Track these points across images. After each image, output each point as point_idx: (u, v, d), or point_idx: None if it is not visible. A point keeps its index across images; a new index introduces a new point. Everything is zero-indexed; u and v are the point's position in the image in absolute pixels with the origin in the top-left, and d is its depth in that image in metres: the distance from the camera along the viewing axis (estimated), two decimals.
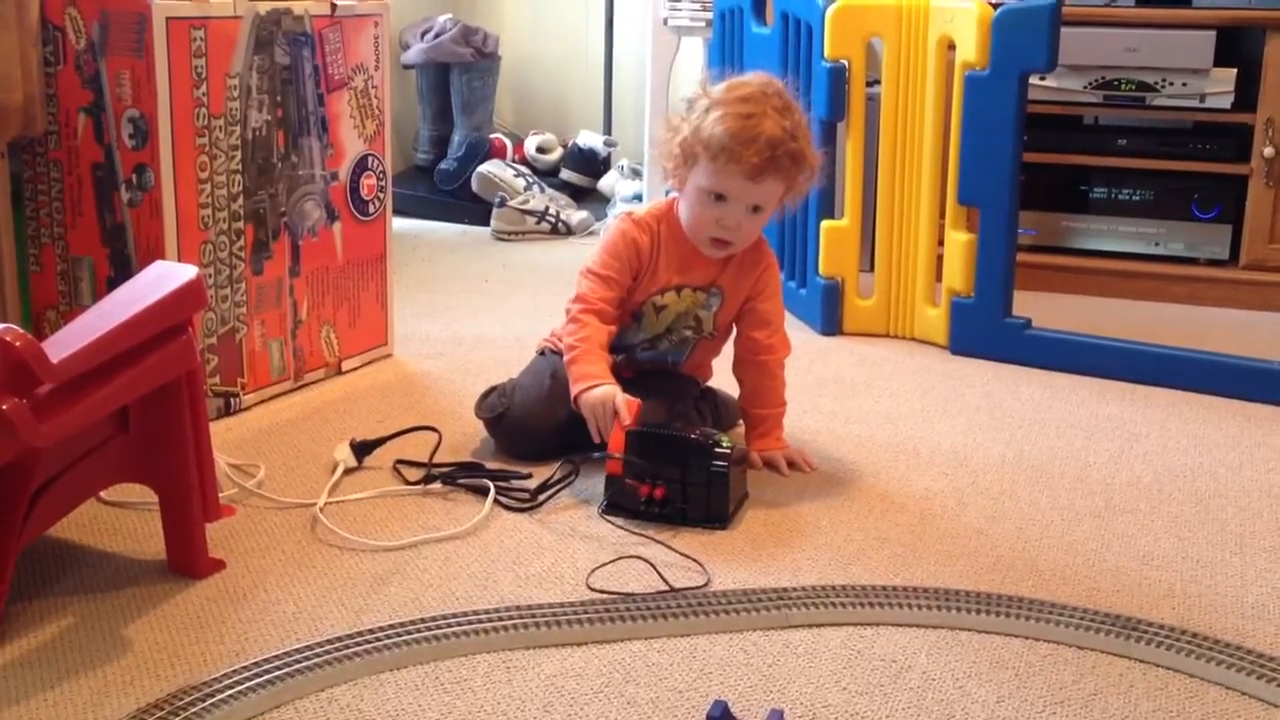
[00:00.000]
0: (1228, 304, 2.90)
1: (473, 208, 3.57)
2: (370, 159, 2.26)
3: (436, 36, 3.66)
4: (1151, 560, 1.62)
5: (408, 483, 1.79)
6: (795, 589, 1.49)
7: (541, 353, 1.98)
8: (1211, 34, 2.85)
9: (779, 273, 1.96)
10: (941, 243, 2.49)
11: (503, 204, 3.44)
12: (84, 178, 1.95)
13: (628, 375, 1.88)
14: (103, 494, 1.65)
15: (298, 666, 1.30)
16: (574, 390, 1.76)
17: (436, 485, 1.78)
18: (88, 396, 1.34)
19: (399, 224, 2.92)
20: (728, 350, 1.97)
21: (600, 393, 1.73)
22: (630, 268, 1.85)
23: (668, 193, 1.95)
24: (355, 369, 2.28)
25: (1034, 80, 2.48)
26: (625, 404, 1.71)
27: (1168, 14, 2.90)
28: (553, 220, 3.45)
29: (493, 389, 1.94)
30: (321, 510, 1.68)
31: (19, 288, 2.01)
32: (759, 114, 1.77)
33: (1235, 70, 2.86)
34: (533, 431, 1.87)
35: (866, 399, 2.21)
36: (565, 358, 1.80)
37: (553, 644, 1.38)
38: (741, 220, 1.81)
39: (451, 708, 1.26)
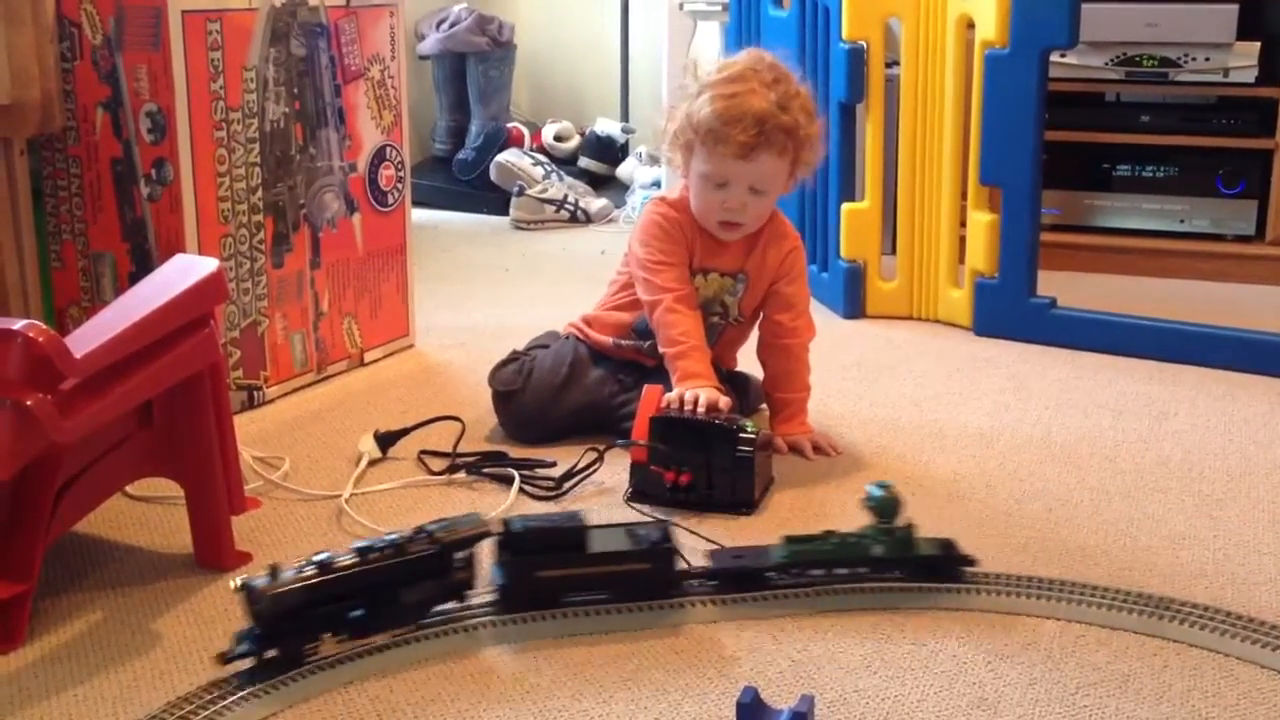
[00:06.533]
0: (1255, 280, 2.87)
1: (491, 197, 3.56)
2: (388, 149, 2.25)
3: (452, 26, 3.66)
4: (1183, 540, 1.60)
5: (432, 473, 1.79)
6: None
7: (566, 336, 1.97)
8: (1234, 7, 2.83)
9: (805, 255, 1.95)
10: (964, 224, 2.47)
11: (521, 193, 3.44)
12: (103, 173, 1.95)
13: (652, 364, 1.88)
14: (128, 488, 1.65)
15: (327, 659, 1.29)
16: (678, 389, 1.75)
17: (461, 475, 1.77)
18: (111, 391, 1.34)
19: (418, 214, 2.92)
20: (752, 334, 1.96)
21: (707, 395, 1.72)
22: (683, 245, 1.85)
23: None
24: (377, 360, 2.28)
25: (1055, 58, 2.45)
26: (728, 406, 1.71)
27: None
28: (571, 208, 3.44)
29: (513, 357, 1.94)
30: (347, 501, 1.68)
31: (41, 284, 2.01)
32: (745, 91, 1.77)
33: (1259, 44, 2.83)
34: (538, 419, 1.88)
35: (891, 382, 2.20)
36: (669, 350, 1.80)
37: (581, 632, 1.37)
38: (746, 202, 1.80)
39: (481, 697, 1.25)
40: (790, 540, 1.47)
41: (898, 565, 1.46)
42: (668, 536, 1.42)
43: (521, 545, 1.37)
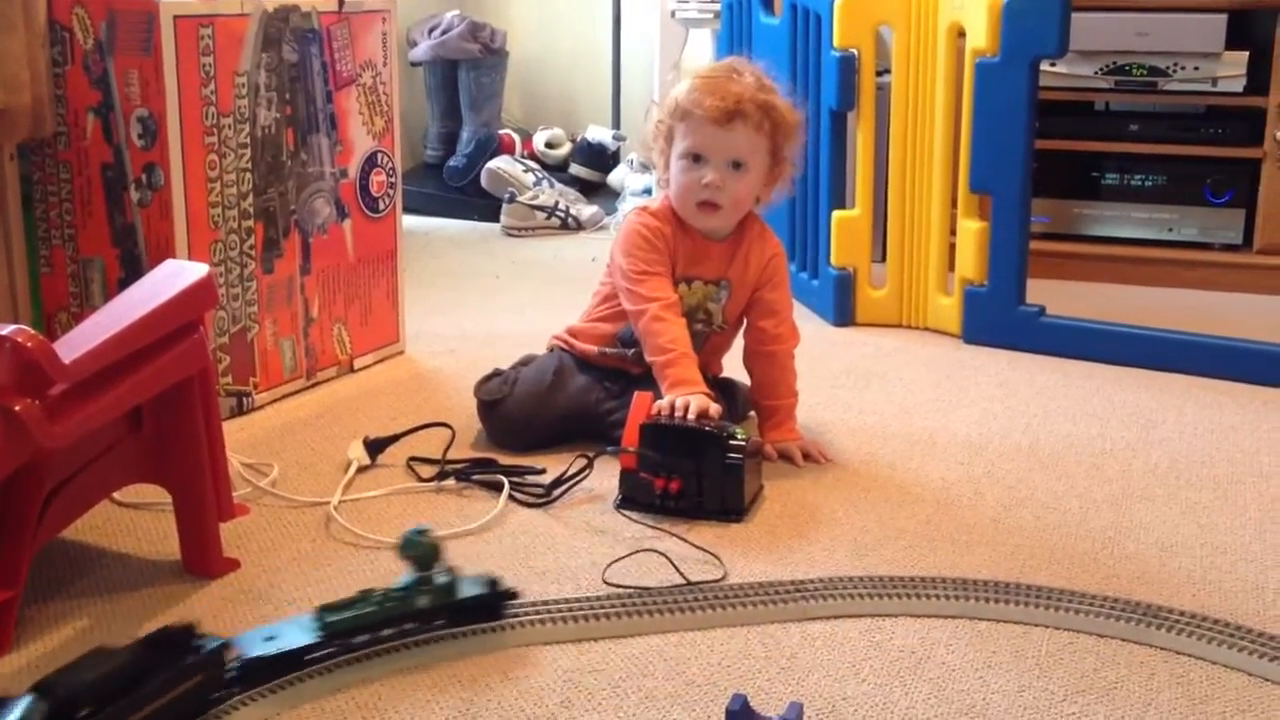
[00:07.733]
0: (1242, 289, 2.88)
1: (482, 204, 3.56)
2: (379, 156, 2.25)
3: (444, 33, 3.66)
4: (1170, 547, 1.61)
5: (421, 479, 1.78)
6: (812, 581, 1.49)
7: (550, 350, 1.97)
8: (1223, 17, 2.84)
9: (786, 262, 1.96)
10: (954, 231, 2.48)
11: (512, 199, 3.44)
12: (93, 178, 1.94)
13: (638, 371, 1.88)
14: (116, 495, 1.65)
15: (315, 666, 1.29)
16: (668, 396, 1.75)
17: (450, 482, 1.77)
18: (100, 397, 1.34)
19: (409, 221, 2.92)
20: (738, 341, 1.97)
21: (698, 403, 1.72)
22: (665, 254, 1.86)
23: None
24: (367, 366, 2.28)
25: (1045, 66, 2.46)
26: (718, 414, 1.71)
27: None
28: (562, 215, 3.45)
29: (497, 373, 1.94)
30: (335, 508, 1.68)
31: (30, 289, 2.01)
32: (724, 77, 1.85)
33: (1247, 53, 2.84)
34: (524, 426, 1.88)
35: (880, 389, 2.20)
36: (658, 359, 1.80)
37: (569, 639, 1.37)
38: (725, 178, 1.82)
39: (470, 704, 1.25)
40: (324, 610, 1.32)
41: (442, 614, 1.35)
42: (195, 633, 1.23)
43: (72, 711, 1.10)
